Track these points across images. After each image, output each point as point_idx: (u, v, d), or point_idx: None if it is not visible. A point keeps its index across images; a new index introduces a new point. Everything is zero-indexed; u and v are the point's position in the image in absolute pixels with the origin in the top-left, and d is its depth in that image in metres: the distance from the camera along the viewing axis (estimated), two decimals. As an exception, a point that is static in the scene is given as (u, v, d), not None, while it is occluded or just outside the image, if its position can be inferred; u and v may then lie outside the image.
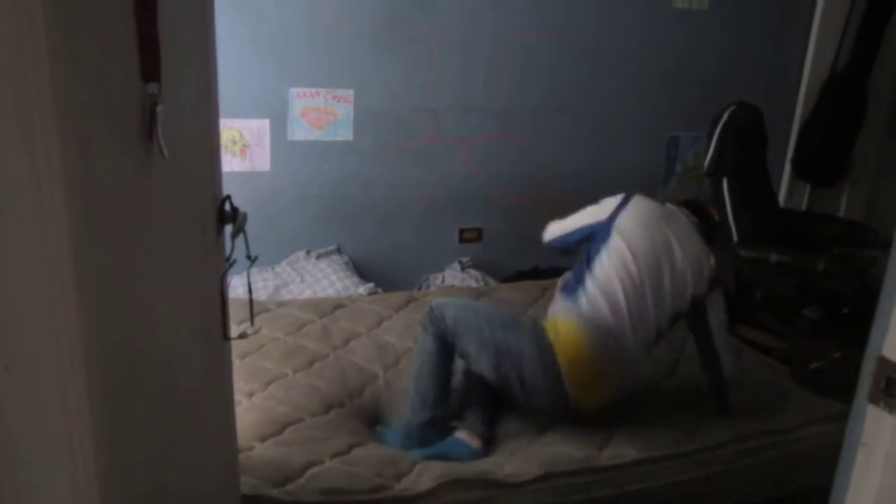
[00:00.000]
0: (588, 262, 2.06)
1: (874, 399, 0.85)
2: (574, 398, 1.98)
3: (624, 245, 2.03)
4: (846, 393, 2.24)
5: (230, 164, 3.05)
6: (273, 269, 3.19)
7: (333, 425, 2.03)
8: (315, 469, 1.78)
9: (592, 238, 2.11)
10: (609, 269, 2.01)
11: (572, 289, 2.06)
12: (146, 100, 0.90)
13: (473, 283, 3.26)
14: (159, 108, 0.90)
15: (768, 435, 2.09)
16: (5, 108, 0.60)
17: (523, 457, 1.91)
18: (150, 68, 0.89)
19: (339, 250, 3.36)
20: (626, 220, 2.08)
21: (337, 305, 2.76)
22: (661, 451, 1.96)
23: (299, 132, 3.18)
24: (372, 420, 2.17)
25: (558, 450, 1.94)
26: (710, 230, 2.27)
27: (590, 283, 2.02)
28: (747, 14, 3.68)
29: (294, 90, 3.13)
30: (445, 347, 2.04)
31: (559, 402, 1.99)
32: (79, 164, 0.72)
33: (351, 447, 1.91)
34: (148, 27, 0.87)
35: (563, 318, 2.01)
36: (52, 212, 0.66)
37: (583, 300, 2.00)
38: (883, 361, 0.83)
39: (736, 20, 3.66)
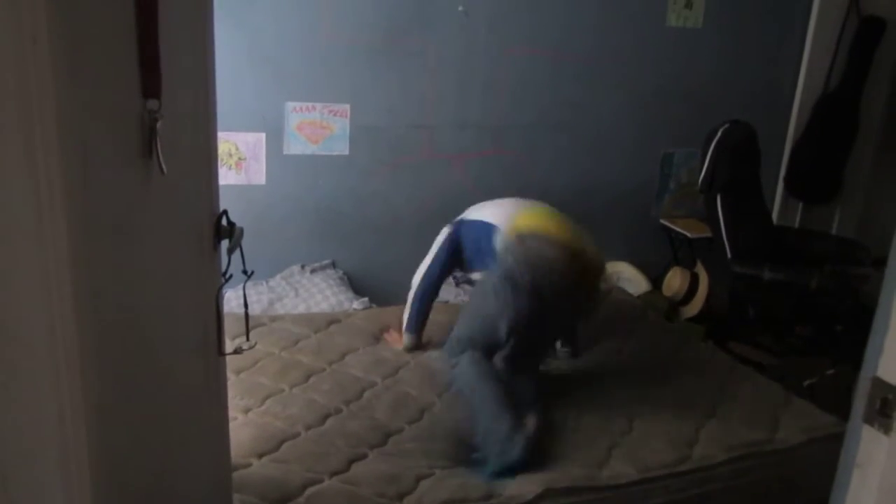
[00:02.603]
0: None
1: (869, 420, 0.85)
2: None
3: None
4: (839, 409, 2.26)
5: (225, 177, 3.05)
6: (267, 283, 3.18)
7: (331, 435, 2.02)
8: (314, 488, 1.77)
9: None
10: None
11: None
12: (146, 116, 0.90)
13: (467, 299, 3.25)
14: (159, 125, 0.91)
15: (768, 455, 2.09)
16: (8, 123, 0.61)
17: (524, 477, 1.90)
18: (151, 85, 0.89)
19: (333, 265, 3.36)
20: None
21: (331, 321, 2.75)
22: (660, 470, 1.96)
23: (295, 146, 3.19)
24: (372, 419, 2.13)
25: (560, 466, 1.94)
26: None
27: None
28: (741, 33, 3.72)
29: (290, 104, 3.14)
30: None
31: None
32: (79, 179, 0.72)
33: (350, 463, 1.90)
34: (149, 44, 0.88)
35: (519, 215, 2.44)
36: (51, 227, 0.66)
37: None
38: (878, 382, 0.83)
39: (730, 39, 3.70)
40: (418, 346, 2.58)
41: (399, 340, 2.60)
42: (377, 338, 2.66)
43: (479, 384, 2.10)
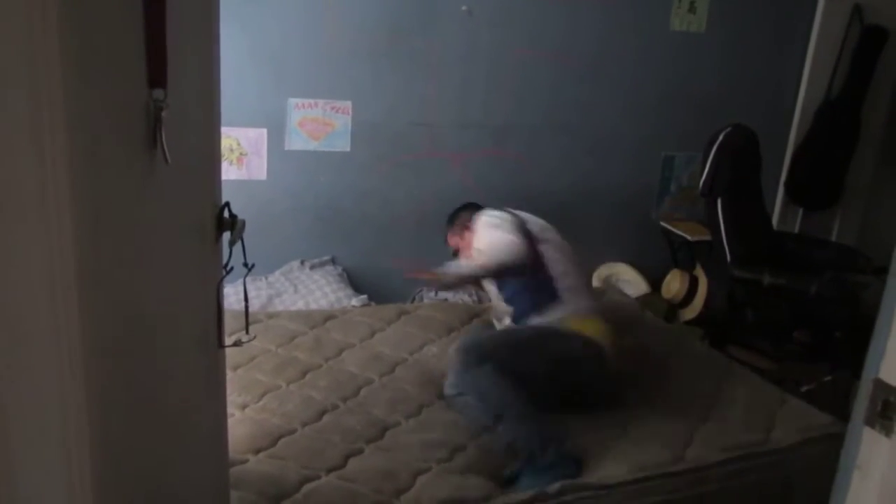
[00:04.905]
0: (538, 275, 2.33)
1: (870, 421, 0.85)
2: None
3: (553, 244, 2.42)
4: (836, 416, 2.26)
5: (226, 172, 3.03)
6: (266, 278, 3.18)
7: (327, 431, 2.01)
8: (311, 485, 1.77)
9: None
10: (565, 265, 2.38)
11: (544, 300, 2.31)
12: (151, 105, 0.90)
13: (466, 298, 3.26)
14: (164, 114, 0.90)
15: (764, 455, 2.09)
16: (17, 112, 0.60)
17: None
18: (157, 74, 0.89)
19: (333, 261, 3.36)
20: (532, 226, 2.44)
21: (328, 317, 2.75)
22: (653, 470, 1.95)
23: (297, 142, 3.19)
24: (369, 415, 2.12)
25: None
26: None
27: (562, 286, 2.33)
28: (744, 38, 3.73)
29: (293, 100, 3.14)
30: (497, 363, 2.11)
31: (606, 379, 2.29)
32: (85, 168, 0.72)
33: (347, 459, 1.90)
34: (156, 32, 0.88)
35: (580, 319, 2.31)
36: (56, 214, 0.66)
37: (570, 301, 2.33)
38: (879, 384, 0.83)
39: (732, 44, 3.71)
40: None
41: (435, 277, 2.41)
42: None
43: (500, 388, 2.03)
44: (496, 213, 2.50)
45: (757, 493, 2.06)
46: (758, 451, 2.09)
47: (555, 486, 1.84)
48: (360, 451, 1.94)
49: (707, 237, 3.35)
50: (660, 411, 2.26)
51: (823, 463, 2.00)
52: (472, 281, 2.53)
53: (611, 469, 1.95)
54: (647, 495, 1.92)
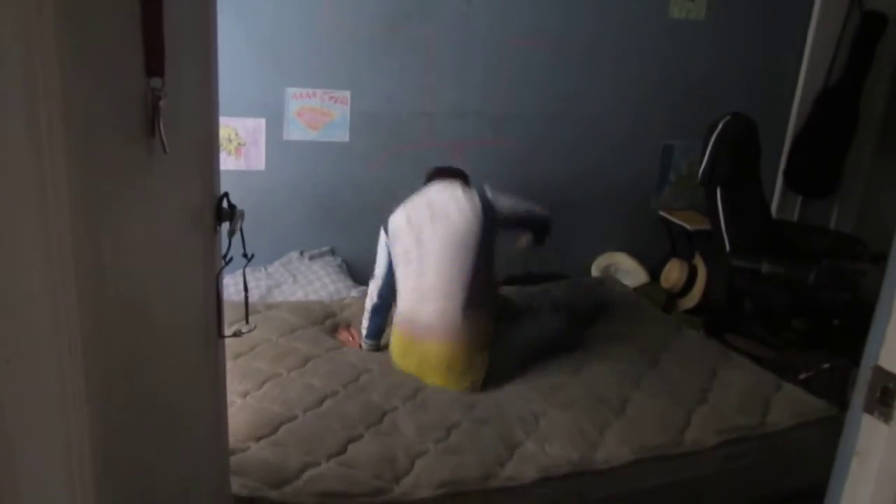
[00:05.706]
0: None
1: (869, 408, 0.85)
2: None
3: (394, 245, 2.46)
4: (834, 403, 2.27)
5: (224, 162, 2.99)
6: (266, 269, 3.18)
7: (328, 418, 2.02)
8: (312, 471, 1.78)
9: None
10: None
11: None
12: (149, 94, 0.90)
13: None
14: (162, 103, 0.90)
15: (759, 438, 2.11)
16: (14, 101, 0.60)
17: (521, 457, 1.91)
18: (154, 63, 0.89)
19: (332, 252, 3.36)
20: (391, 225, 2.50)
21: (327, 315, 2.74)
22: (655, 451, 1.97)
23: (295, 132, 3.18)
24: (367, 400, 2.14)
25: (554, 450, 1.95)
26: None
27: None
28: (742, 26, 3.71)
29: (291, 90, 3.13)
30: None
31: None
32: (82, 159, 0.71)
33: (347, 444, 1.91)
34: (153, 21, 0.87)
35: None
36: (55, 205, 0.66)
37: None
38: (879, 371, 0.84)
39: (731, 32, 3.69)
40: (379, 349, 2.51)
41: (356, 342, 2.55)
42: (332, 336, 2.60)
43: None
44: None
45: (752, 477, 2.08)
46: (754, 434, 2.11)
47: (560, 470, 1.85)
48: (360, 437, 1.95)
49: (706, 226, 3.35)
50: (657, 396, 2.27)
51: (818, 446, 2.03)
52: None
53: (612, 449, 1.96)
54: (646, 478, 1.93)
